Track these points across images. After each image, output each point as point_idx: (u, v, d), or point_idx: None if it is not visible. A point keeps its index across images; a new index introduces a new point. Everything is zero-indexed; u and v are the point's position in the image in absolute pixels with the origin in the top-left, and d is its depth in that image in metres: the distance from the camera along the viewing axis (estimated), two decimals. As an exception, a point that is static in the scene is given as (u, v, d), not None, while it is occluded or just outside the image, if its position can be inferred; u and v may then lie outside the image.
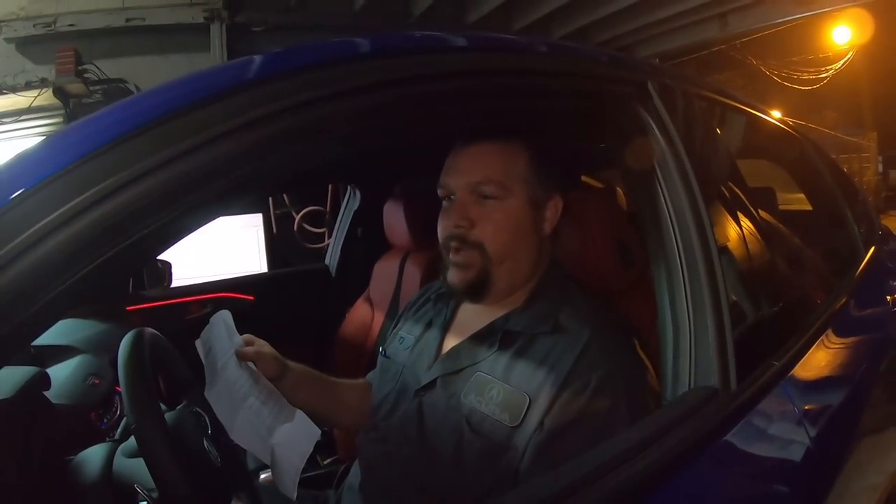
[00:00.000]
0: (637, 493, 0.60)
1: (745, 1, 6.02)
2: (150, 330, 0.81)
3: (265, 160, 0.47)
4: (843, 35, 9.26)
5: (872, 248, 1.45)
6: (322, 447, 1.37)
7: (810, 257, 1.38)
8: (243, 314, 0.95)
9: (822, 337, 0.98)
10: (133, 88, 4.31)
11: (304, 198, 3.82)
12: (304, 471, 0.81)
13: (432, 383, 0.82)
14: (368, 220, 1.92)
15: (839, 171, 1.77)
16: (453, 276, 0.83)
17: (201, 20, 4.55)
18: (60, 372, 1.22)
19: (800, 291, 1.19)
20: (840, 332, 1.04)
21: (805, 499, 0.77)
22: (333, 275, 2.03)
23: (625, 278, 0.95)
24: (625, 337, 0.81)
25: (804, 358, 0.89)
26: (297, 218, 3.84)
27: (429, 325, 0.92)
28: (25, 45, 4.30)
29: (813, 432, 0.80)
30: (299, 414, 0.85)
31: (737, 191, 1.03)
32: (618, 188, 1.63)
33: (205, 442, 0.75)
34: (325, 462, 1.42)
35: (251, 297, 1.89)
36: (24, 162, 0.43)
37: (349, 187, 2.01)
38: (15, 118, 4.25)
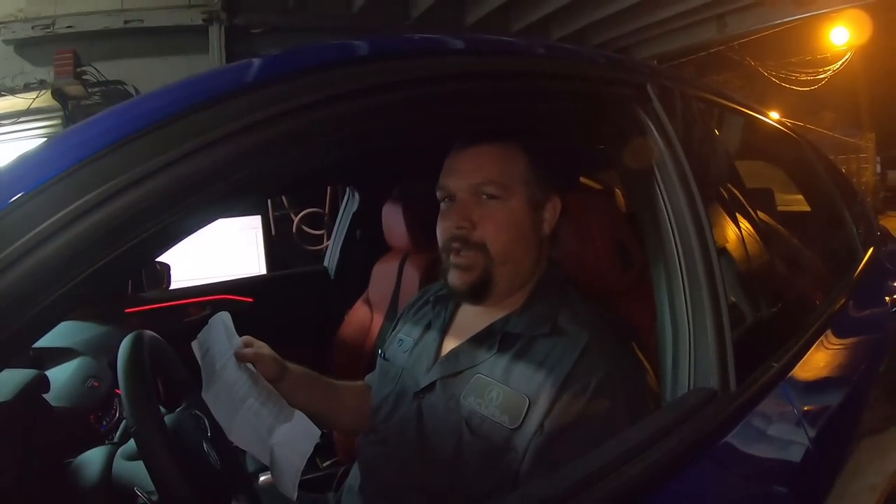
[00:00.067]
0: (637, 494, 0.60)
1: (743, 2, 6.03)
2: (149, 332, 0.81)
3: (264, 163, 0.48)
4: (841, 36, 9.27)
5: (871, 249, 1.45)
6: (321, 449, 1.36)
7: (809, 258, 1.38)
8: (242, 316, 0.95)
9: (821, 338, 0.98)
10: (132, 90, 4.30)
11: (302, 200, 3.81)
12: (303, 473, 0.81)
13: (431, 385, 0.82)
14: (367, 222, 1.93)
15: (837, 171, 1.78)
16: (455, 277, 0.82)
17: (200, 22, 4.54)
18: (59, 374, 1.21)
19: (799, 292, 1.19)
20: (839, 334, 1.05)
21: (805, 500, 0.77)
22: (332, 277, 2.02)
23: (623, 280, 0.95)
24: (624, 338, 0.80)
25: (803, 359, 0.89)
26: (296, 220, 3.84)
27: (428, 327, 0.91)
28: (24, 47, 4.28)
29: (812, 433, 0.80)
30: (298, 414, 0.84)
31: (735, 192, 1.03)
32: (616, 189, 1.63)
33: (204, 444, 0.75)
34: (325, 464, 1.41)
35: (250, 299, 1.88)
36: (23, 165, 0.43)
37: (348, 189, 2.01)
38: (13, 120, 4.24)
